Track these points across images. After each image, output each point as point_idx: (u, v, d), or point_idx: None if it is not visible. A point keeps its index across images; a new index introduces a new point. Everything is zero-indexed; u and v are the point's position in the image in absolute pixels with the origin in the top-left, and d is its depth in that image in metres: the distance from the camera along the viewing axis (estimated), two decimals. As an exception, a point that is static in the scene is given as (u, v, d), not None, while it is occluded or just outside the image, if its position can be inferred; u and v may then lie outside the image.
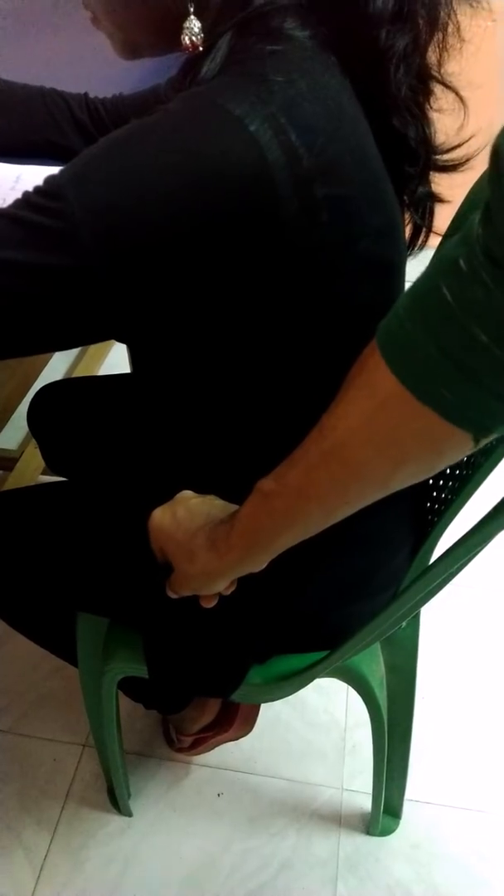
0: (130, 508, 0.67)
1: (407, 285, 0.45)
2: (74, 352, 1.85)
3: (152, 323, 0.51)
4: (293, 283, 0.50)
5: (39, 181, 0.47)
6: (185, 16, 0.53)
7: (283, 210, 0.47)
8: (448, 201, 0.63)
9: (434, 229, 0.63)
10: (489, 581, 1.36)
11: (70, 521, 0.77)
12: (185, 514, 0.60)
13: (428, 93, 0.56)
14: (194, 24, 0.53)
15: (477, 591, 1.34)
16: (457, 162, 0.60)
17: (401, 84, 0.52)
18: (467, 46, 0.55)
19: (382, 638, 0.77)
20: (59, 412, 1.01)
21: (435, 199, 0.62)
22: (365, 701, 0.82)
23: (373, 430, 0.44)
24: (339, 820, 1.05)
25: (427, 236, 0.63)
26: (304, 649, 0.75)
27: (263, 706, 1.11)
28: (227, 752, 1.11)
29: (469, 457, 0.70)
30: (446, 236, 0.66)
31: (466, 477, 0.68)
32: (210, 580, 0.58)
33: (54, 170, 0.47)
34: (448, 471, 0.74)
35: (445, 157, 0.60)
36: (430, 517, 0.76)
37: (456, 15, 0.53)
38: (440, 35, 0.54)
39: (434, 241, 0.64)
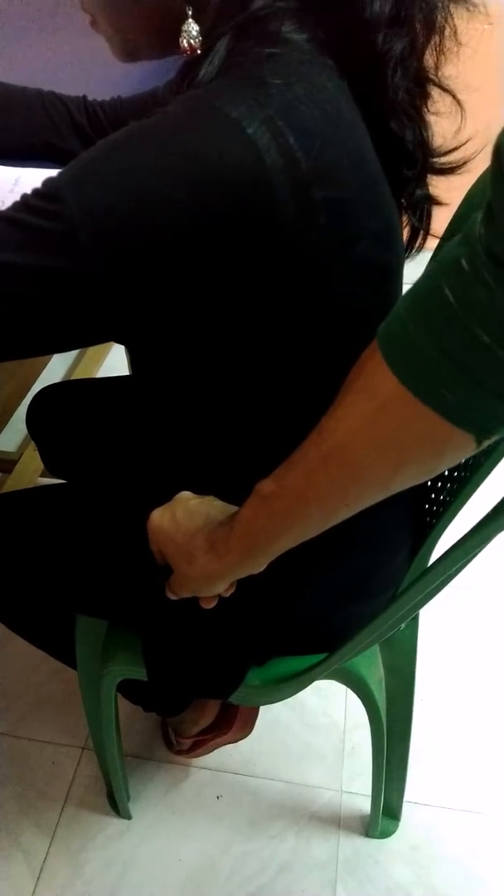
0: (129, 510, 0.67)
1: (405, 288, 0.45)
2: (73, 354, 1.85)
3: (151, 325, 0.51)
4: (291, 286, 0.50)
5: (38, 183, 0.47)
6: (184, 19, 0.53)
7: (281, 213, 0.47)
8: (446, 204, 0.63)
9: (432, 232, 0.63)
10: (488, 583, 1.36)
11: (69, 523, 0.77)
12: (184, 514, 0.59)
13: (425, 96, 0.57)
14: (192, 27, 0.53)
15: (476, 592, 1.34)
16: (454, 165, 0.60)
17: (398, 87, 0.53)
18: (464, 49, 0.55)
19: (381, 640, 0.77)
20: (57, 414, 1.01)
21: (432, 201, 0.62)
22: (364, 703, 0.82)
23: (373, 432, 0.44)
24: (338, 822, 1.05)
25: (425, 239, 0.64)
26: (303, 651, 0.75)
27: (262, 708, 1.11)
28: (227, 755, 1.11)
29: (468, 458, 0.70)
30: (444, 239, 0.66)
31: (465, 478, 0.68)
32: (210, 582, 0.58)
33: (53, 172, 0.47)
34: (447, 472, 0.74)
35: (443, 159, 0.60)
36: (428, 519, 0.76)
37: (453, 18, 0.53)
38: (437, 38, 0.54)
39: (432, 243, 0.65)
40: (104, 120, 0.87)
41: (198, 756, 1.08)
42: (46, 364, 1.30)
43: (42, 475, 1.48)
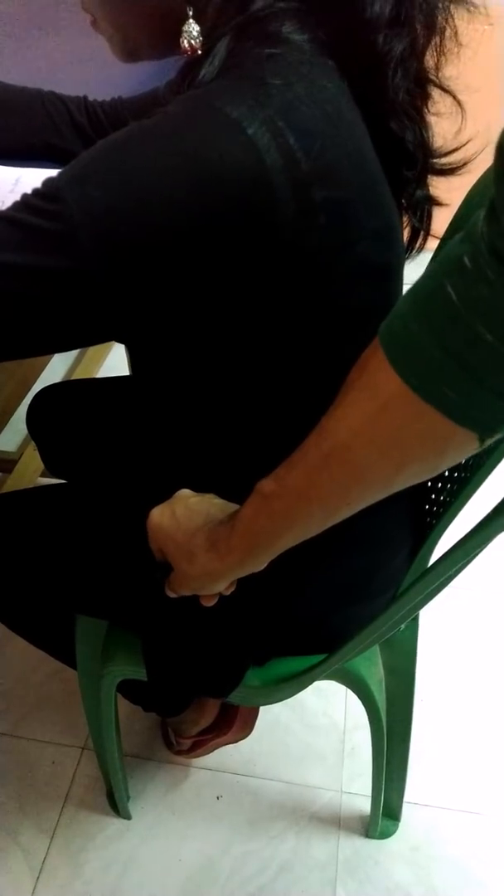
0: (130, 510, 0.67)
1: (405, 288, 0.45)
2: (73, 354, 1.85)
3: (151, 324, 0.51)
4: (290, 286, 0.50)
5: (38, 184, 0.47)
6: (184, 19, 0.53)
7: (281, 213, 0.47)
8: (446, 204, 0.63)
9: (432, 232, 0.63)
10: (488, 584, 1.36)
11: (69, 523, 0.77)
12: (184, 513, 0.59)
13: (426, 97, 0.57)
14: (193, 27, 0.53)
15: (476, 593, 1.34)
16: (455, 165, 0.60)
17: (398, 88, 0.53)
18: (465, 50, 0.55)
19: (381, 640, 0.77)
20: (58, 414, 1.01)
21: (433, 202, 0.62)
22: (364, 703, 0.82)
23: (375, 432, 0.44)
24: (338, 822, 1.05)
25: (425, 239, 0.64)
26: (303, 652, 0.75)
27: (262, 709, 1.11)
28: (227, 755, 1.11)
29: (468, 458, 0.70)
30: (444, 239, 0.66)
31: (465, 479, 0.68)
32: (210, 581, 0.58)
33: (53, 172, 0.47)
34: (447, 473, 0.74)
35: (443, 160, 0.60)
36: (428, 519, 0.76)
37: (453, 19, 0.53)
38: (438, 39, 0.54)
39: (432, 244, 0.65)
40: (105, 120, 0.87)
41: (198, 756, 1.08)
42: (47, 364, 1.30)
43: (42, 475, 1.48)
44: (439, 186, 0.61)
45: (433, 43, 0.54)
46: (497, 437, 0.42)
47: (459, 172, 0.60)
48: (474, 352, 0.38)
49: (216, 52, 0.50)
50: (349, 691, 0.83)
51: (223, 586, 0.59)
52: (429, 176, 0.60)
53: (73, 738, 1.13)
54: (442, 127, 0.59)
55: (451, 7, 0.53)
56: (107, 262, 0.46)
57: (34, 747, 1.12)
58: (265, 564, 0.56)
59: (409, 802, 1.04)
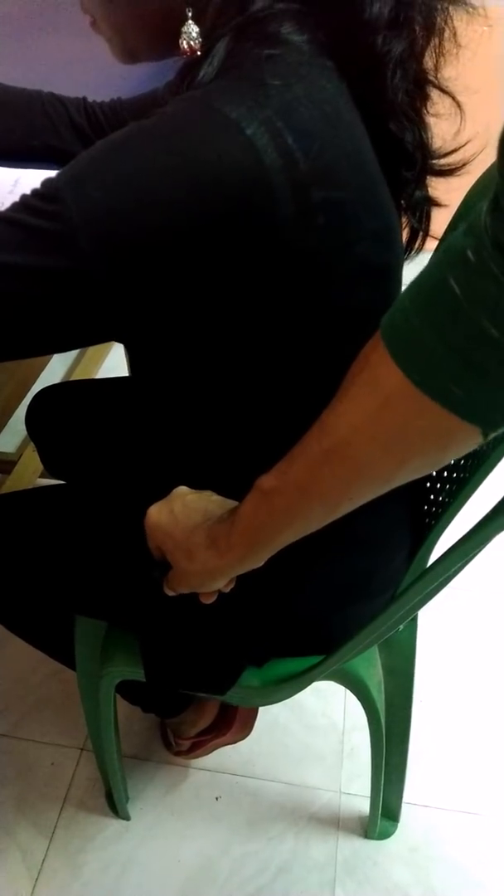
0: (129, 511, 0.67)
1: (403, 289, 0.44)
2: (72, 355, 1.85)
3: (151, 324, 0.51)
4: (290, 286, 0.50)
5: (37, 185, 0.48)
6: (184, 20, 0.53)
7: (280, 213, 0.47)
8: (445, 205, 0.63)
9: (431, 233, 0.63)
10: (487, 584, 1.36)
11: (68, 524, 0.77)
12: (182, 510, 0.59)
13: (425, 98, 0.57)
14: (192, 28, 0.53)
15: (474, 594, 1.34)
16: (454, 166, 0.60)
17: (397, 89, 0.53)
18: (464, 51, 0.55)
19: (380, 641, 0.77)
20: (57, 415, 1.01)
21: (432, 202, 0.62)
22: (363, 704, 0.82)
23: (377, 427, 0.43)
24: (337, 823, 1.04)
25: (424, 240, 0.64)
26: (302, 653, 0.75)
27: (261, 710, 1.11)
28: (226, 756, 1.11)
29: (466, 460, 0.70)
30: (443, 240, 0.66)
31: (464, 480, 0.68)
32: (210, 578, 0.58)
33: (52, 173, 0.47)
34: (446, 473, 0.74)
35: (442, 161, 0.60)
36: (427, 520, 0.76)
37: (452, 20, 0.53)
38: (437, 40, 0.54)
39: (431, 244, 0.65)
40: (104, 121, 0.87)
41: (197, 757, 1.08)
42: (46, 365, 1.30)
43: (41, 476, 1.48)
44: (438, 187, 0.62)
45: (432, 44, 0.54)
46: (501, 430, 0.42)
47: (458, 173, 0.60)
48: (478, 346, 0.38)
49: (215, 53, 0.50)
50: (348, 692, 0.83)
51: (222, 583, 0.59)
52: (428, 177, 0.60)
53: (72, 739, 1.13)
54: (441, 128, 0.59)
55: (450, 8, 0.53)
56: (106, 263, 0.46)
57: (33, 748, 1.12)
58: (264, 561, 0.56)
59: (407, 803, 1.04)
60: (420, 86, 0.56)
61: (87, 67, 1.03)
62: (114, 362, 1.85)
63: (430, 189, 0.61)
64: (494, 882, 0.99)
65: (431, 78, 0.56)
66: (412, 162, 0.58)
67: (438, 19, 0.53)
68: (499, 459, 0.63)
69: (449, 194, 0.63)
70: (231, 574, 0.58)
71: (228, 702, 0.94)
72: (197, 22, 0.53)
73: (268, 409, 0.59)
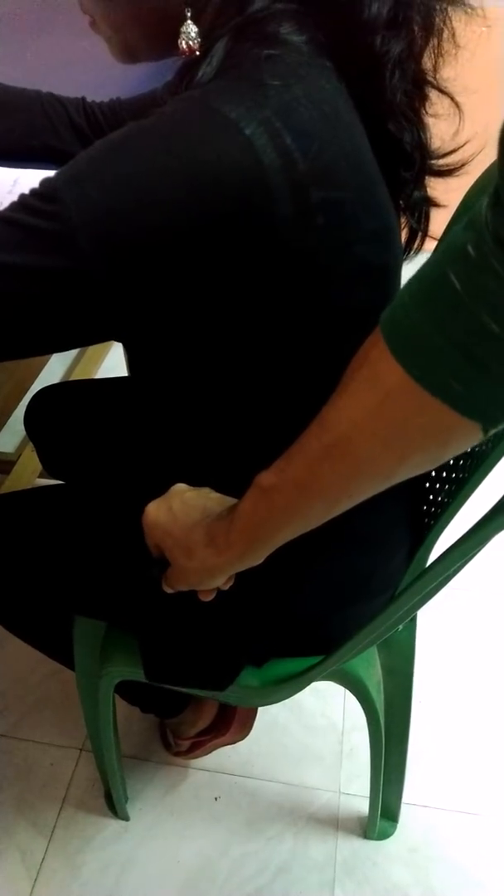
0: (128, 511, 0.67)
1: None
2: (71, 355, 1.85)
3: (150, 323, 0.51)
4: (289, 286, 0.51)
5: (36, 185, 0.48)
6: (183, 20, 0.53)
7: (279, 213, 0.47)
8: (444, 206, 0.63)
9: (430, 234, 0.64)
10: (486, 584, 1.36)
11: (67, 524, 0.77)
12: (181, 508, 0.59)
13: (423, 98, 0.57)
14: (191, 28, 0.53)
15: (473, 594, 1.34)
16: (453, 166, 0.60)
17: (396, 89, 0.53)
18: (462, 52, 0.55)
19: (379, 641, 0.77)
20: (56, 415, 1.01)
21: (431, 203, 0.62)
22: (362, 704, 0.82)
23: (378, 423, 0.43)
24: (336, 824, 1.04)
25: (423, 240, 0.64)
26: (302, 653, 0.75)
27: (261, 710, 1.11)
28: (225, 756, 1.11)
29: (465, 460, 0.70)
30: (442, 240, 0.66)
31: (463, 480, 0.68)
32: (209, 575, 0.58)
33: (51, 174, 0.47)
34: (445, 473, 0.74)
35: (441, 161, 0.60)
36: (426, 520, 0.76)
37: (451, 21, 0.53)
38: (435, 41, 0.54)
39: (430, 245, 0.65)
40: (103, 121, 0.87)
41: (196, 757, 1.08)
42: (45, 365, 1.31)
43: (40, 476, 1.48)
44: (437, 188, 0.62)
45: (431, 44, 0.54)
46: (501, 427, 0.41)
47: (457, 174, 0.60)
48: (479, 342, 0.37)
49: (214, 53, 0.51)
50: (347, 692, 0.83)
51: (221, 581, 0.59)
52: (427, 177, 0.61)
53: (71, 740, 1.13)
54: (440, 128, 0.59)
55: (449, 9, 0.53)
56: (106, 263, 0.46)
57: (32, 748, 1.12)
58: (263, 558, 0.56)
59: (407, 803, 1.04)
60: (419, 86, 0.56)
61: (86, 67, 1.03)
62: (113, 362, 1.85)
63: (428, 189, 0.61)
64: (494, 882, 0.99)
65: (430, 78, 0.56)
66: (411, 162, 0.58)
67: (437, 20, 0.53)
68: (498, 459, 0.63)
69: (448, 195, 0.63)
70: (230, 571, 0.58)
71: (227, 702, 0.94)
72: (196, 22, 0.53)
73: (266, 407, 0.59)
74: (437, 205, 0.62)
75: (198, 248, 0.47)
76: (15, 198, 0.48)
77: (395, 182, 0.57)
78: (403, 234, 0.63)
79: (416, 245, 0.64)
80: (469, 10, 0.53)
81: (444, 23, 0.53)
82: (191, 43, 0.53)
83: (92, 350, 1.84)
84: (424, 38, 0.53)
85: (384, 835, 1.03)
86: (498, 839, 1.03)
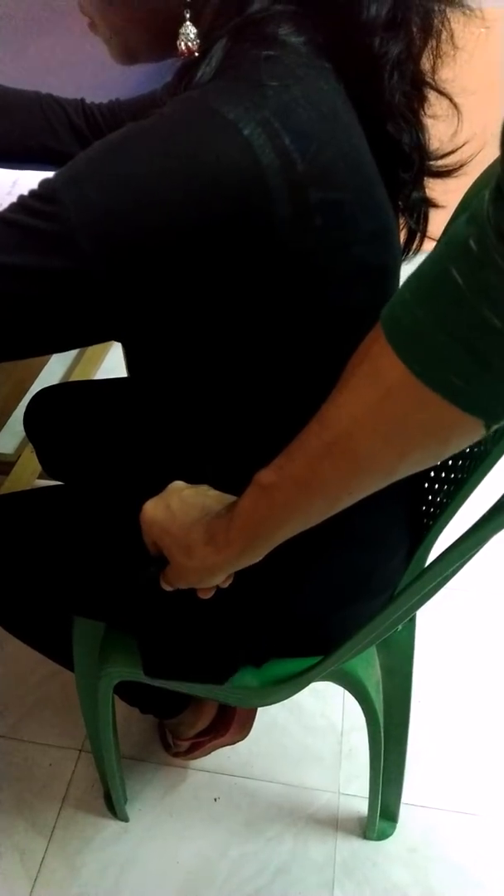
0: (127, 512, 0.67)
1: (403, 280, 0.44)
2: (71, 356, 1.85)
3: (149, 323, 0.51)
4: (287, 286, 0.51)
5: (35, 186, 0.48)
6: (182, 21, 0.53)
7: (278, 214, 0.47)
8: (442, 206, 0.64)
9: (428, 234, 0.64)
10: (485, 584, 1.36)
11: (66, 525, 0.77)
12: (179, 506, 0.59)
13: (422, 99, 0.57)
14: (190, 29, 0.53)
15: (472, 594, 1.34)
16: (451, 167, 0.60)
17: (395, 90, 0.53)
18: (461, 53, 0.55)
19: (378, 641, 0.77)
20: (55, 416, 1.02)
21: (429, 204, 0.62)
22: (361, 705, 0.82)
23: (378, 420, 0.43)
24: (335, 824, 1.04)
25: (422, 241, 0.64)
26: (301, 653, 0.75)
27: (260, 710, 1.11)
28: (224, 757, 1.11)
29: (464, 460, 0.70)
30: (441, 238, 0.66)
31: (462, 480, 0.68)
32: (208, 574, 0.58)
33: (51, 175, 0.47)
34: (444, 474, 0.74)
35: (439, 162, 0.60)
36: (425, 520, 0.76)
37: (449, 22, 0.53)
38: (434, 42, 0.54)
39: (429, 245, 0.65)
40: (102, 123, 0.87)
41: (195, 758, 1.08)
42: (44, 366, 1.31)
43: (40, 477, 1.48)
44: (436, 188, 0.62)
45: (429, 46, 0.54)
46: (503, 423, 0.41)
47: (456, 175, 0.60)
48: (480, 337, 0.37)
49: (213, 54, 0.51)
50: (347, 693, 0.83)
51: (221, 579, 0.59)
52: (425, 178, 0.61)
53: (70, 740, 1.13)
54: (438, 129, 0.59)
55: (448, 10, 0.53)
56: (105, 263, 0.46)
57: (32, 749, 1.12)
58: (263, 556, 0.56)
59: (406, 804, 1.04)
60: (417, 87, 0.56)
61: (85, 69, 1.03)
62: (112, 363, 1.85)
63: (427, 190, 0.62)
64: (493, 882, 0.99)
65: (429, 79, 0.56)
66: (409, 163, 0.58)
67: (435, 21, 0.53)
68: (497, 460, 0.63)
69: (446, 195, 0.63)
70: (229, 570, 0.58)
71: (227, 702, 0.94)
72: (195, 23, 0.53)
73: (265, 407, 0.59)
74: (435, 205, 0.63)
75: (197, 249, 0.47)
76: (14, 199, 0.48)
77: (393, 183, 0.58)
78: (402, 235, 0.63)
79: (414, 246, 0.64)
80: (467, 12, 0.53)
81: (443, 24, 0.53)
82: (189, 44, 0.53)
83: (91, 351, 1.84)
84: (423, 39, 0.53)
85: (383, 835, 1.03)
86: (497, 839, 1.03)
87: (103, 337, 0.52)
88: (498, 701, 1.18)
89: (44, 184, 0.47)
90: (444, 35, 0.54)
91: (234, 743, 1.05)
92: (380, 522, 0.69)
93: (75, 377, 1.77)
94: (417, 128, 0.57)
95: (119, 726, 0.94)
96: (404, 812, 1.04)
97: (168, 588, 0.62)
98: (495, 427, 0.41)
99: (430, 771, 1.10)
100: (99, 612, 0.79)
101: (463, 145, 0.59)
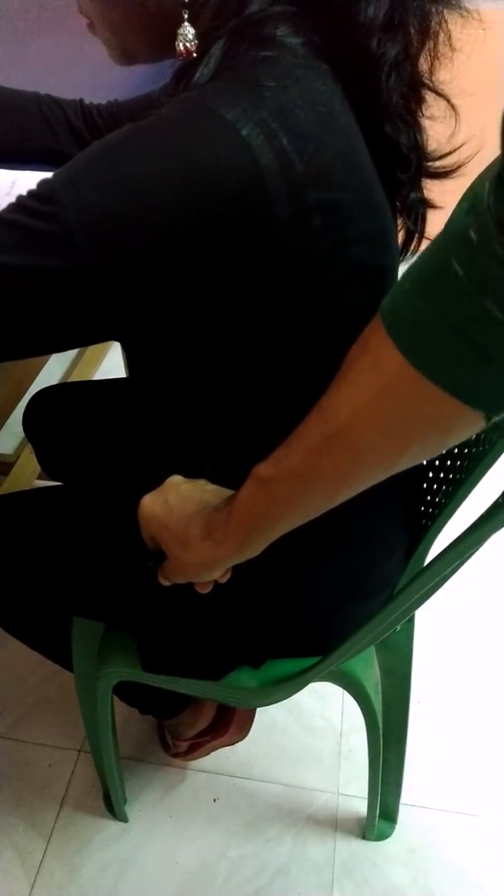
0: (126, 513, 0.67)
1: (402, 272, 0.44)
2: (70, 356, 1.86)
3: (147, 323, 0.52)
4: (285, 287, 0.51)
5: (34, 186, 0.48)
6: (180, 22, 0.53)
7: (275, 215, 0.47)
8: (440, 207, 0.64)
9: (426, 235, 0.64)
10: (484, 584, 1.36)
11: (65, 525, 0.77)
12: (177, 500, 0.59)
13: (420, 100, 0.57)
14: (188, 30, 0.53)
15: (471, 594, 1.34)
16: (448, 168, 0.60)
17: (392, 92, 0.53)
18: (458, 55, 0.55)
19: (377, 641, 0.77)
20: (54, 417, 1.02)
21: (427, 204, 0.62)
22: (360, 705, 0.83)
23: (379, 412, 0.43)
24: (335, 825, 1.04)
25: (419, 242, 0.64)
26: (300, 653, 0.75)
27: (259, 711, 1.11)
28: (223, 757, 1.11)
29: (462, 460, 0.70)
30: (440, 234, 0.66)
31: (460, 480, 0.68)
32: (206, 568, 0.58)
33: (49, 175, 0.48)
34: (442, 474, 0.75)
35: (437, 163, 0.60)
36: (423, 521, 0.76)
37: (447, 24, 0.54)
38: (431, 43, 0.54)
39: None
40: (101, 123, 0.87)
41: (194, 759, 1.08)
42: (43, 366, 1.30)
43: (39, 478, 1.48)
44: (433, 189, 0.62)
45: (427, 47, 0.54)
46: (503, 415, 0.41)
47: (453, 175, 0.60)
48: (481, 328, 0.37)
49: (211, 55, 0.51)
50: (346, 693, 0.83)
51: (219, 573, 0.59)
52: (423, 179, 0.61)
53: (70, 741, 1.13)
54: (436, 130, 0.60)
55: (445, 12, 0.53)
56: (104, 263, 0.46)
57: (31, 749, 1.12)
58: (261, 550, 0.56)
59: (405, 804, 1.04)
60: (415, 88, 0.56)
61: (84, 69, 1.03)
62: (111, 364, 1.85)
63: (425, 191, 0.62)
64: (493, 883, 0.99)
65: (426, 81, 0.56)
66: (407, 164, 0.58)
67: (433, 22, 0.53)
68: (495, 460, 0.64)
69: (444, 196, 0.63)
70: (228, 564, 0.58)
71: (226, 703, 0.94)
72: (193, 24, 0.53)
73: (263, 405, 0.59)
74: (433, 206, 0.63)
75: (195, 249, 0.47)
76: (13, 199, 0.48)
77: (391, 184, 0.58)
78: (400, 236, 0.63)
79: (412, 247, 0.64)
80: (465, 13, 0.54)
81: (440, 25, 0.53)
82: (188, 45, 0.54)
83: (90, 351, 1.84)
84: (420, 40, 0.53)
85: (383, 836, 1.03)
86: (496, 840, 1.03)
87: (102, 337, 0.52)
88: (497, 701, 1.18)
89: (42, 184, 0.47)
90: (441, 36, 0.54)
91: (233, 743, 1.05)
92: (378, 523, 0.69)
93: (74, 378, 1.77)
94: (415, 129, 0.57)
95: (118, 727, 0.94)
96: (403, 812, 1.04)
97: (166, 583, 0.62)
98: (496, 419, 0.41)
99: (430, 771, 1.10)
100: (98, 612, 0.79)
101: (461, 146, 0.59)
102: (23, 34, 1.22)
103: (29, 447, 1.49)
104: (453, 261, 0.37)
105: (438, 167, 0.60)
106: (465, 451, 0.69)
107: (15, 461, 1.50)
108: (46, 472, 1.08)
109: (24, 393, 1.16)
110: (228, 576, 0.60)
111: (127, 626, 0.79)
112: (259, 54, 0.49)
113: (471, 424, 0.41)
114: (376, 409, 0.42)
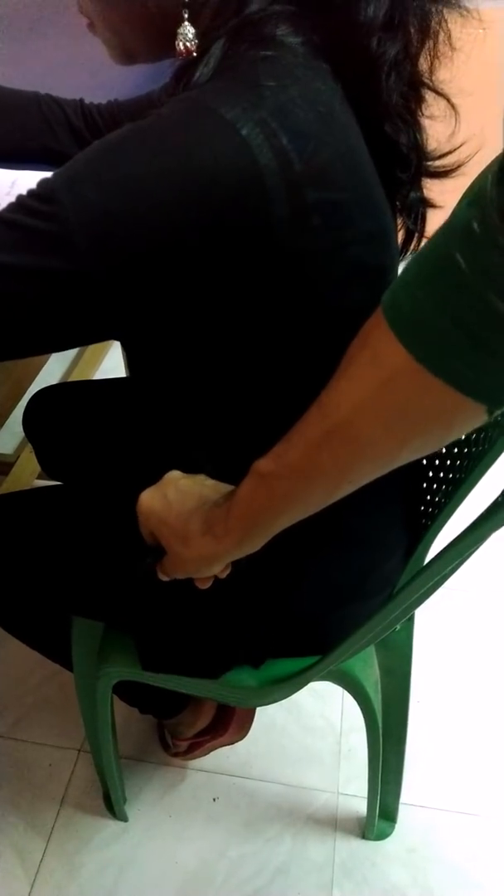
0: (126, 512, 0.67)
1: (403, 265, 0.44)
2: (70, 356, 1.86)
3: (147, 322, 0.52)
4: (285, 286, 0.51)
5: (34, 186, 0.48)
6: (180, 22, 0.53)
7: (275, 214, 0.47)
8: (440, 206, 0.64)
9: (426, 234, 0.64)
10: (483, 584, 1.36)
11: (65, 525, 0.77)
12: (176, 495, 0.59)
13: (419, 100, 0.57)
14: (188, 29, 0.53)
15: (471, 594, 1.34)
16: (448, 168, 0.60)
17: (392, 91, 0.53)
18: (458, 54, 0.55)
19: (377, 641, 0.77)
20: (54, 416, 1.02)
21: (427, 204, 0.62)
22: (360, 704, 0.83)
23: (380, 406, 0.42)
24: (334, 824, 1.04)
25: (419, 241, 0.64)
26: (299, 653, 0.75)
27: (259, 711, 1.11)
28: (223, 757, 1.11)
29: (462, 459, 0.70)
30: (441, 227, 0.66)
31: (460, 480, 0.68)
32: (206, 564, 0.58)
33: (49, 175, 0.48)
34: (441, 473, 0.75)
35: (437, 163, 0.60)
36: (423, 520, 0.76)
37: (447, 23, 0.54)
38: (431, 43, 0.54)
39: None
40: (101, 123, 0.87)
41: (194, 758, 1.08)
42: (43, 366, 1.30)
43: (39, 477, 1.48)
44: (433, 189, 0.62)
45: (427, 46, 0.54)
46: None
47: (453, 175, 0.60)
48: (485, 321, 0.37)
49: (211, 55, 0.51)
50: (346, 693, 0.83)
51: (219, 569, 0.59)
52: (423, 178, 0.61)
53: (69, 741, 1.13)
54: (436, 130, 0.60)
55: (445, 11, 0.53)
56: (103, 263, 0.46)
57: (31, 749, 1.12)
58: (260, 546, 0.55)
59: (405, 804, 1.04)
60: (415, 88, 0.56)
61: (84, 69, 1.03)
62: (111, 363, 1.85)
63: (424, 191, 0.62)
64: (492, 883, 0.99)
65: (426, 80, 0.56)
66: (407, 163, 0.58)
67: (433, 22, 0.53)
68: (495, 459, 0.64)
69: (444, 196, 0.63)
70: (228, 559, 0.57)
71: (226, 702, 0.94)
72: (193, 23, 0.53)
73: (263, 404, 0.59)
74: (433, 206, 0.63)
75: (195, 248, 0.47)
76: (13, 199, 0.48)
77: (391, 183, 0.58)
78: (400, 235, 0.63)
79: (412, 246, 0.64)
80: (465, 13, 0.54)
81: (440, 25, 0.53)
82: (188, 44, 0.54)
83: (90, 351, 1.84)
84: (420, 40, 0.53)
85: (382, 835, 1.03)
86: (496, 840, 1.03)
87: (102, 336, 0.52)
88: (497, 701, 1.18)
89: (42, 184, 0.47)
90: (441, 36, 0.54)
91: (232, 743, 1.05)
92: (378, 522, 0.69)
93: (74, 377, 1.77)
94: (415, 128, 0.57)
95: (118, 726, 0.94)
96: (403, 812, 1.04)
97: (165, 578, 0.62)
98: (498, 412, 0.41)
99: (429, 771, 1.10)
100: (98, 612, 0.79)
101: (461, 146, 0.59)
102: (24, 34, 1.23)
103: (29, 447, 1.49)
104: (455, 253, 0.37)
105: (438, 166, 0.60)
106: (465, 450, 0.69)
107: (15, 461, 1.50)
108: (46, 472, 1.08)
109: (24, 393, 1.16)
110: (228, 571, 0.60)
111: (126, 624, 0.79)
112: (259, 54, 0.49)
113: (473, 418, 0.41)
114: (377, 403, 0.42)
